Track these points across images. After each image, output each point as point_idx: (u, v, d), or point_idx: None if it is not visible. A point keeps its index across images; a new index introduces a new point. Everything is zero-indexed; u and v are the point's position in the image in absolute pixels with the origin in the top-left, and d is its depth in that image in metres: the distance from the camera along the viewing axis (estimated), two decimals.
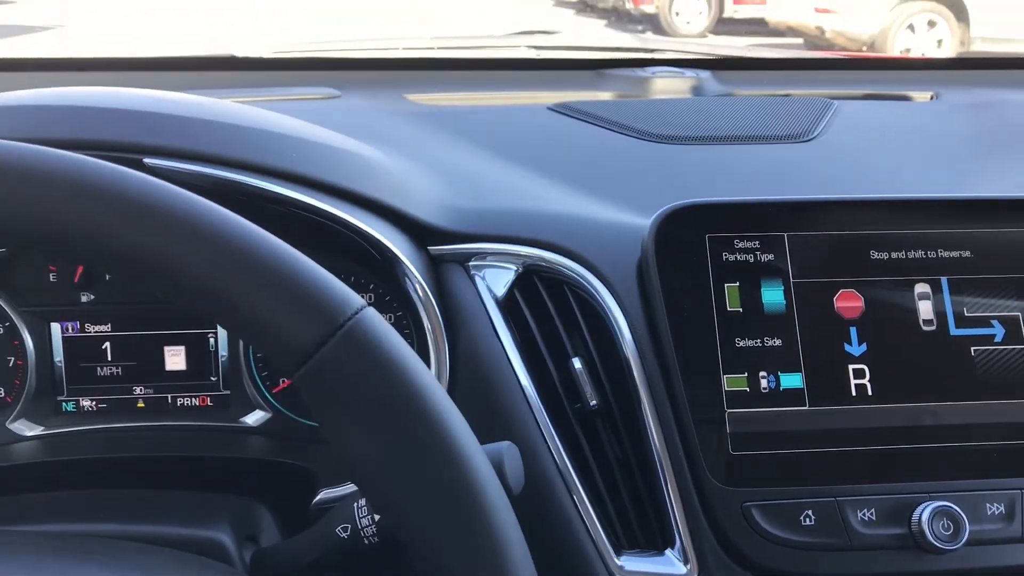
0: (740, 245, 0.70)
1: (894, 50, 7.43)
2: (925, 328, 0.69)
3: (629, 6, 10.21)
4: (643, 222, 0.73)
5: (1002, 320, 0.70)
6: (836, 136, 0.97)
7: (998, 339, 0.70)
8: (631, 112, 1.02)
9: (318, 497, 0.71)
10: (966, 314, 0.70)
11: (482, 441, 0.56)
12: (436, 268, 0.75)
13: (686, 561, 0.66)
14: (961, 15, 7.43)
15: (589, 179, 0.87)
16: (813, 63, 1.35)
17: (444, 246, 0.75)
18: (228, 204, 0.45)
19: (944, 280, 0.70)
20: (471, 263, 0.75)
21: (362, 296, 0.77)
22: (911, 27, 7.50)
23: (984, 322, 0.70)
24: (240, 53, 1.19)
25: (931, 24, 7.50)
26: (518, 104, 1.15)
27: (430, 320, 0.71)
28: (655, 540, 0.67)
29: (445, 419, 0.44)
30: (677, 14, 9.70)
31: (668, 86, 1.20)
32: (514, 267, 0.74)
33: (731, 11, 9.64)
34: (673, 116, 1.01)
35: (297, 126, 0.78)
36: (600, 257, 0.73)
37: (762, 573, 0.65)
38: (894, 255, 0.71)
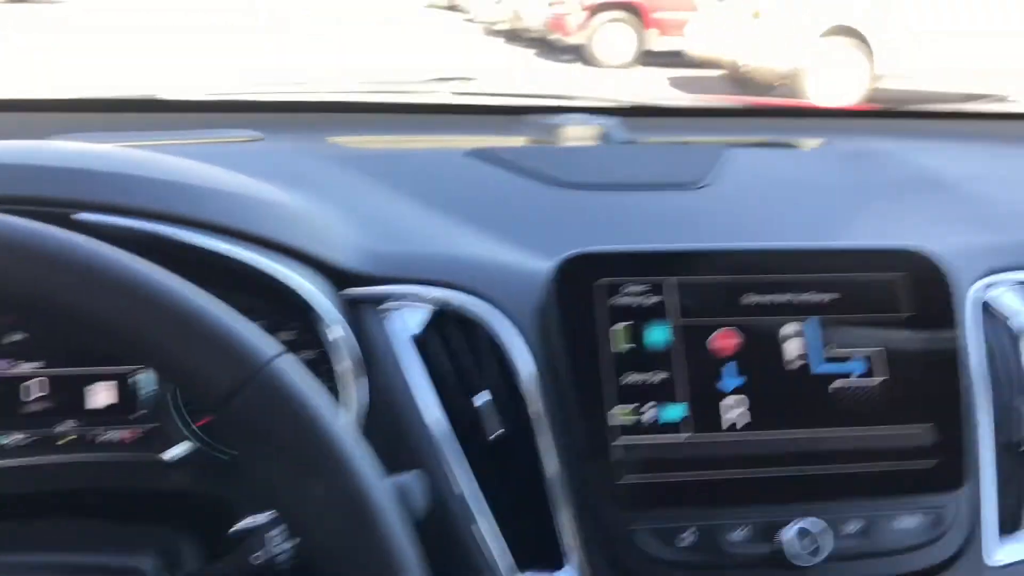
0: (629, 289, 0.78)
1: (807, 86, 7.73)
2: (792, 364, 0.77)
3: (556, 37, 10.41)
4: (545, 266, 0.80)
5: (859, 358, 0.78)
6: (725, 184, 1.06)
7: (856, 375, 0.78)
8: (541, 158, 1.09)
9: (235, 527, 0.75)
10: (828, 352, 0.78)
11: (395, 470, 0.62)
12: (352, 309, 0.80)
13: None
14: (870, 54, 7.77)
15: (499, 223, 0.93)
16: (713, 111, 1.44)
17: (359, 288, 0.80)
18: (153, 255, 0.51)
19: (809, 322, 0.79)
20: (385, 304, 0.80)
21: (283, 335, 0.82)
22: (823, 63, 7.82)
23: (844, 359, 0.78)
24: (165, 95, 1.23)
25: (842, 61, 7.83)
26: (437, 148, 1.21)
27: (345, 360, 0.76)
28: (550, 561, 0.74)
29: (349, 456, 0.49)
30: (603, 45, 9.94)
31: (577, 133, 1.28)
32: (426, 308, 0.80)
33: (654, 43, 9.92)
34: (579, 163, 1.08)
35: (218, 176, 0.83)
36: (506, 299, 0.80)
37: None
38: (766, 298, 0.79)
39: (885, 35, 7.65)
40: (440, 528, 0.73)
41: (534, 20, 11.09)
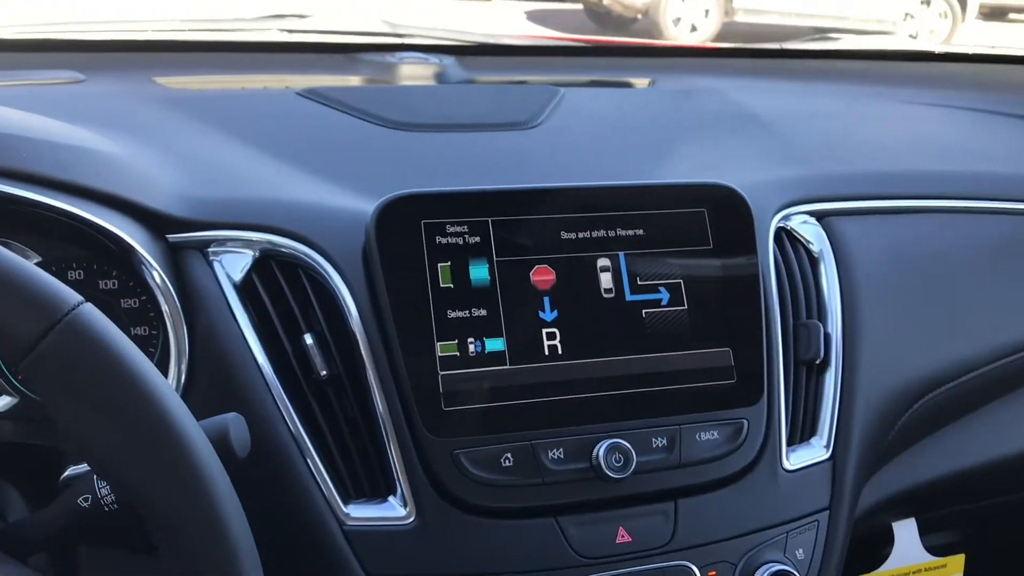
0: (451, 229, 0.80)
1: (667, 17, 7.88)
2: (606, 296, 0.82)
3: None
4: (369, 208, 0.82)
5: (667, 287, 0.84)
6: (557, 123, 1.09)
7: (664, 303, 0.84)
8: (374, 99, 1.10)
9: (64, 474, 0.76)
10: (639, 283, 0.83)
11: (220, 413, 0.64)
12: (176, 255, 0.80)
13: (405, 504, 0.76)
14: None
15: (327, 166, 0.94)
16: (550, 49, 1.47)
17: (182, 234, 0.80)
18: None
19: (621, 255, 0.84)
20: (210, 249, 0.81)
21: (105, 284, 0.82)
22: None
23: (653, 289, 0.84)
24: None
25: None
26: (268, 89, 1.20)
27: (167, 304, 0.77)
28: (379, 490, 0.77)
29: (160, 399, 0.51)
30: None
31: (414, 72, 1.29)
32: (251, 252, 0.81)
33: None
34: (413, 103, 1.10)
35: (32, 123, 0.81)
36: (330, 242, 0.81)
37: (470, 510, 0.76)
38: (580, 235, 0.83)
39: None
40: (269, 467, 0.76)
41: None
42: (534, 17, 9.00)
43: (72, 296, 0.50)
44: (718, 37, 8.07)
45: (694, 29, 8.04)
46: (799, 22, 8.17)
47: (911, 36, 8.35)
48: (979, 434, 1.06)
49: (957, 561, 1.15)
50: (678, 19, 8.00)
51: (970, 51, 1.53)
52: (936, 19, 8.35)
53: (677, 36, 7.96)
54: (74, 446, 0.51)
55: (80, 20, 1.25)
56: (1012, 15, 10.21)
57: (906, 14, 8.29)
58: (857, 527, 0.96)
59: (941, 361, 0.97)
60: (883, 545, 1.12)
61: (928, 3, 8.33)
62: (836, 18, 8.13)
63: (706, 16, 8.04)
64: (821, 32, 8.37)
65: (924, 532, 1.14)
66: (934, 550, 1.15)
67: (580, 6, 8.76)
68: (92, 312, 0.50)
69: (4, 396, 0.83)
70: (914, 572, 1.12)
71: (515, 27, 8.33)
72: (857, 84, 1.41)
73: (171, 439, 0.50)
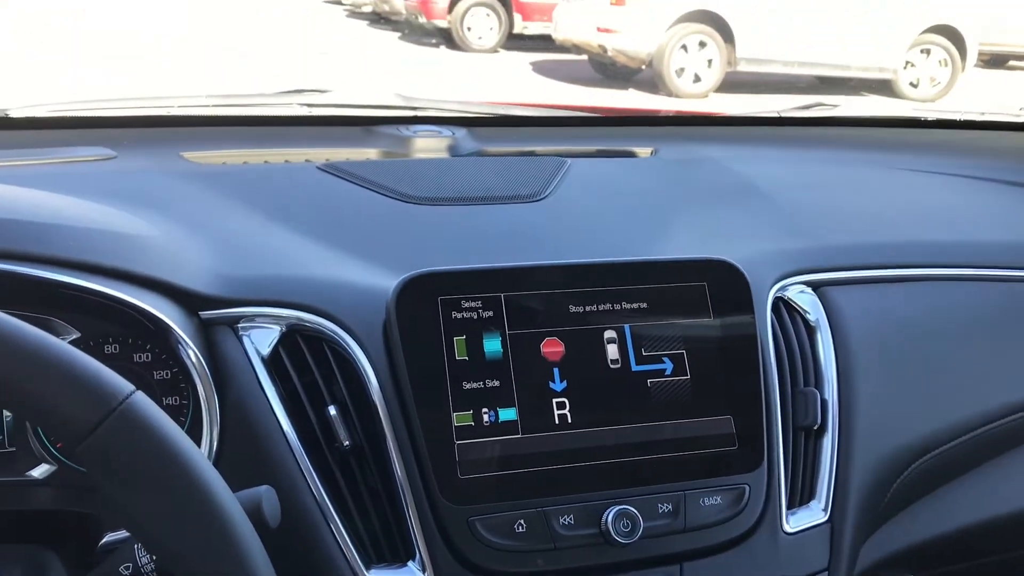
0: (465, 304, 0.86)
1: (671, 68, 8.02)
2: (612, 367, 0.87)
3: (422, 20, 10.39)
4: (389, 284, 0.87)
5: (670, 357, 0.89)
6: (563, 195, 1.15)
7: (668, 372, 0.88)
8: (390, 173, 1.16)
9: (104, 540, 0.80)
10: (643, 353, 0.88)
11: (249, 481, 0.68)
12: (207, 330, 0.86)
13: (424, 569, 0.80)
14: (728, 37, 8.10)
15: (348, 242, 1.00)
16: (557, 120, 1.53)
17: (214, 311, 0.86)
18: (12, 294, 0.55)
19: (626, 327, 0.89)
20: (239, 325, 0.86)
21: (139, 357, 0.87)
22: (684, 47, 8.11)
23: (657, 359, 0.89)
24: (15, 113, 1.23)
25: (702, 44, 8.14)
26: (290, 163, 1.26)
27: (200, 379, 0.82)
28: (399, 555, 0.82)
29: (206, 481, 0.56)
30: (469, 29, 9.99)
31: (427, 145, 1.35)
32: (278, 327, 0.86)
33: (520, 28, 10.03)
34: (427, 177, 1.15)
35: (73, 209, 0.87)
36: (352, 317, 0.86)
37: (486, 574, 0.81)
38: (588, 308, 0.88)
39: (744, 21, 7.99)
40: (297, 532, 0.80)
41: (400, 2, 11.03)
42: (540, 69, 9.16)
43: (125, 385, 0.55)
44: (721, 87, 8.19)
45: (697, 79, 8.16)
46: (801, 71, 8.31)
47: (912, 84, 8.47)
48: (974, 494, 1.10)
49: None
50: (681, 69, 8.13)
51: (963, 117, 1.58)
52: (936, 67, 8.47)
53: (681, 87, 8.07)
54: (125, 522, 0.56)
55: (110, 98, 1.31)
56: (1012, 62, 10.36)
57: (907, 62, 8.42)
58: None
59: (935, 425, 1.01)
60: None
61: (928, 52, 8.46)
62: (838, 67, 8.27)
63: (709, 66, 8.17)
64: (823, 81, 8.53)
65: None
66: None
67: (584, 57, 8.92)
68: (144, 400, 0.55)
69: (43, 464, 0.87)
70: None
71: (521, 79, 8.47)
72: (854, 151, 1.46)
73: (216, 518, 0.55)
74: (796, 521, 0.90)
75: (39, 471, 0.87)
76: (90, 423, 0.53)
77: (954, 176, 1.37)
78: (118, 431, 0.53)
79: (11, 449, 0.87)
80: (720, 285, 0.92)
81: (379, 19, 12.24)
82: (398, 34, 11.20)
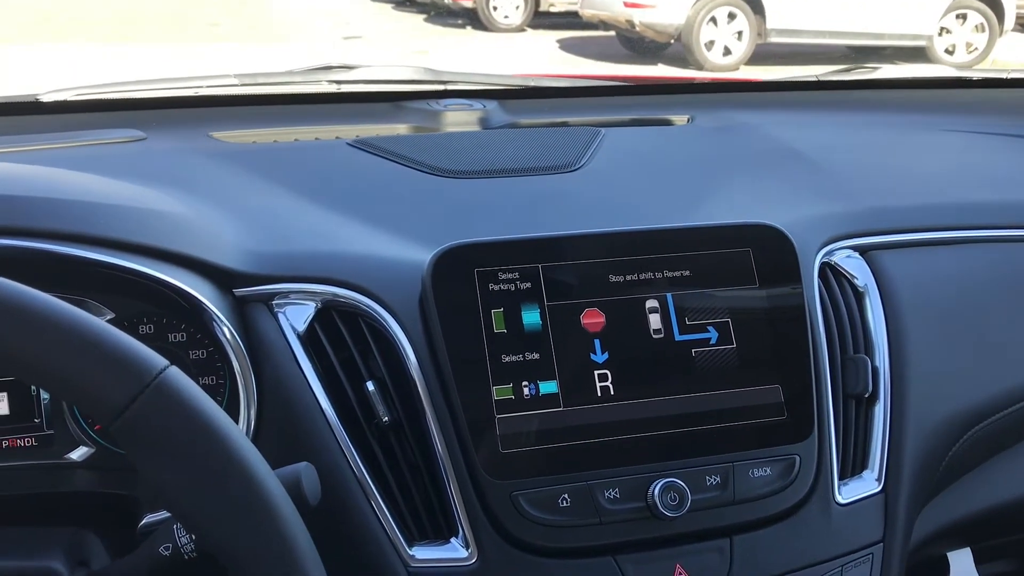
0: (503, 276, 0.83)
1: (700, 41, 7.91)
2: (655, 336, 0.85)
3: (448, 1, 10.34)
4: (424, 257, 0.85)
5: (715, 326, 0.86)
6: (599, 165, 1.12)
7: (712, 342, 0.86)
8: (422, 147, 1.14)
9: (143, 521, 0.79)
10: (687, 323, 0.86)
11: (287, 460, 0.67)
12: (242, 308, 0.84)
13: (467, 546, 0.78)
14: (758, 8, 7.97)
15: (382, 216, 0.98)
16: (589, 90, 1.50)
17: (248, 288, 0.84)
18: (45, 274, 0.54)
19: (669, 296, 0.86)
20: (274, 302, 0.84)
21: (174, 337, 0.86)
22: (713, 20, 8.00)
23: (701, 328, 0.86)
24: (45, 97, 1.23)
25: (731, 16, 8.03)
26: (320, 140, 1.24)
27: (236, 357, 0.81)
28: (442, 531, 0.80)
29: (243, 456, 0.54)
30: (495, 8, 9.92)
31: (458, 118, 1.33)
32: (313, 303, 0.85)
33: (546, 5, 9.96)
34: (460, 150, 1.13)
35: (105, 188, 0.86)
36: (387, 292, 0.85)
37: (530, 550, 0.79)
38: (628, 277, 0.86)
39: None
40: (338, 510, 0.79)
41: None
42: (567, 46, 9.09)
43: (159, 360, 0.54)
44: (752, 59, 8.08)
45: (727, 52, 8.05)
46: (833, 41, 8.16)
47: (947, 51, 8.29)
48: None
49: None
50: (711, 42, 8.03)
51: (1010, 75, 1.53)
52: (972, 32, 8.29)
53: (710, 60, 7.97)
54: (162, 500, 0.54)
55: (140, 79, 1.30)
56: None
57: (941, 28, 8.24)
58: (911, 558, 0.97)
59: (990, 391, 0.98)
60: (939, 575, 1.12)
61: (964, 17, 8.27)
62: (871, 35, 8.11)
63: (739, 38, 8.06)
64: (856, 51, 8.37)
65: (981, 561, 1.13)
66: None
67: (612, 33, 8.83)
68: (178, 375, 0.54)
69: (82, 447, 0.87)
70: None
71: (550, 56, 8.41)
72: (896, 113, 1.42)
73: (254, 493, 0.53)
74: (849, 492, 0.88)
75: (78, 453, 0.86)
76: (124, 399, 0.51)
77: (1001, 136, 1.32)
78: (152, 407, 0.52)
79: (50, 432, 0.86)
80: (765, 250, 0.89)
81: (404, 1, 12.20)
82: (423, 16, 11.16)
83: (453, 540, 0.79)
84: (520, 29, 9.96)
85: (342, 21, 10.20)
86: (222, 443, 0.53)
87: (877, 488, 0.89)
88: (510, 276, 0.83)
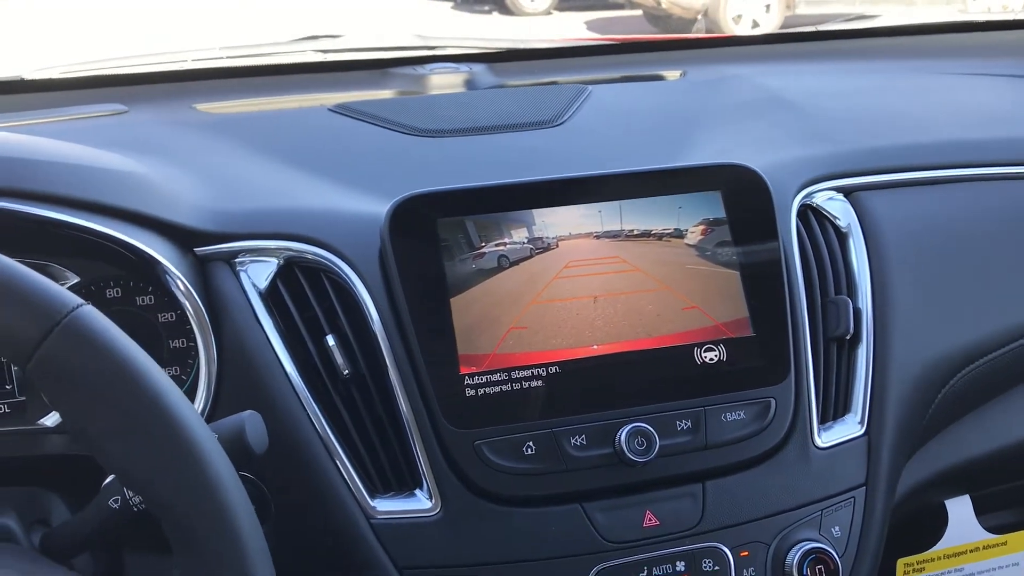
0: (463, 225, 0.82)
1: (727, 14, 7.80)
2: (622, 280, 0.83)
3: None
4: (386, 210, 0.83)
5: (685, 268, 0.84)
6: (582, 120, 1.10)
7: (681, 286, 0.83)
8: (403, 109, 1.12)
9: (106, 481, 0.79)
10: (655, 265, 0.83)
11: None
12: (204, 268, 0.84)
13: (431, 497, 0.77)
14: None
15: (352, 175, 0.97)
16: (580, 50, 1.48)
17: (208, 247, 0.84)
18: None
19: (639, 242, 0.84)
20: (236, 260, 0.84)
21: (142, 300, 0.85)
22: None
23: (670, 271, 0.83)
24: (29, 75, 1.23)
25: None
26: (302, 106, 1.23)
27: (194, 312, 0.80)
28: (407, 483, 0.79)
29: (160, 394, 0.53)
30: None
31: (444, 81, 1.31)
32: (275, 260, 0.84)
33: None
34: (441, 111, 1.11)
35: (63, 149, 0.85)
36: (349, 246, 0.83)
37: (495, 499, 0.77)
38: (596, 223, 0.84)
39: None
40: (301, 464, 0.78)
41: None
42: (594, 26, 9.00)
43: (71, 298, 0.53)
44: (782, 30, 7.94)
45: (756, 25, 7.92)
46: (864, 9, 7.99)
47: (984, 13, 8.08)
48: None
49: (1019, 538, 1.11)
50: (739, 16, 7.90)
51: (1012, 17, 1.48)
52: None
53: (739, 33, 7.85)
54: (81, 441, 0.54)
55: (122, 55, 1.30)
56: None
57: None
58: (907, 505, 0.94)
59: (978, 333, 0.94)
60: (937, 524, 1.08)
61: None
62: (903, 2, 7.93)
63: (767, 11, 7.92)
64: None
65: (982, 510, 1.10)
66: (994, 529, 1.11)
67: (639, 13, 8.73)
68: (92, 313, 0.53)
69: (54, 412, 0.87)
70: (971, 550, 1.08)
71: (578, 39, 8.35)
72: (895, 60, 1.38)
73: (173, 432, 0.53)
74: (829, 436, 0.85)
75: (50, 419, 0.87)
76: (36, 338, 0.51)
77: (1004, 76, 1.27)
78: (64, 345, 0.51)
79: (22, 398, 0.87)
80: (737, 192, 0.87)
81: None
82: (451, 3, 11.14)
83: (417, 491, 0.78)
84: (547, 13, 9.88)
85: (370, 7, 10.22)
86: (138, 381, 0.52)
87: (860, 431, 0.86)
88: (470, 224, 0.82)
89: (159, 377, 0.54)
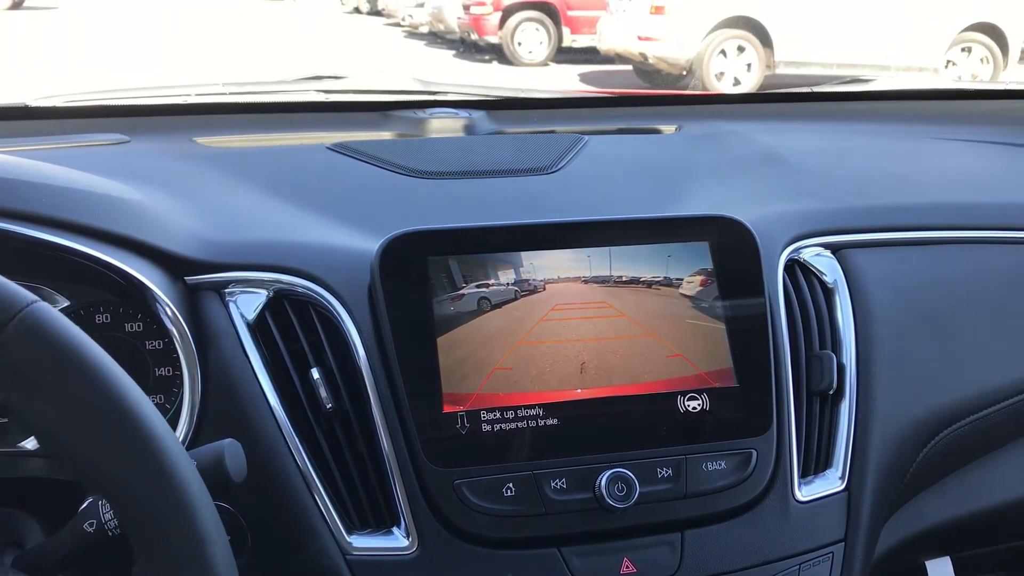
0: (452, 265, 0.82)
1: (710, 72, 7.95)
2: (607, 325, 0.83)
3: (475, 37, 10.46)
4: (377, 246, 0.84)
5: (670, 318, 0.84)
6: (577, 168, 1.11)
7: (666, 334, 0.84)
8: (401, 150, 1.13)
9: (83, 506, 0.79)
10: (641, 313, 0.84)
11: None
12: (193, 296, 0.84)
13: (408, 535, 0.77)
14: (766, 41, 8.01)
15: (346, 211, 0.98)
16: (579, 101, 1.50)
17: (199, 275, 0.84)
18: None
19: (625, 288, 0.85)
20: (226, 290, 0.84)
21: (131, 327, 0.85)
22: (723, 52, 8.04)
23: (655, 319, 0.84)
24: (33, 103, 1.24)
25: (740, 49, 8.07)
26: (302, 144, 1.24)
27: (180, 339, 0.80)
28: (384, 521, 0.79)
29: (117, 391, 0.53)
30: (519, 44, 10.02)
31: (443, 126, 1.32)
32: (265, 292, 0.84)
33: (569, 41, 10.05)
34: (439, 153, 1.13)
35: (60, 173, 0.86)
36: (339, 280, 0.84)
37: (472, 540, 0.77)
38: (584, 268, 0.84)
39: (781, 24, 7.92)
40: (280, 497, 0.78)
41: (454, 21, 11.15)
42: (587, 79, 9.14)
43: (25, 296, 0.53)
44: (761, 89, 8.08)
45: (737, 82, 8.08)
46: (841, 72, 8.12)
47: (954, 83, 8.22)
48: (1013, 470, 1.03)
49: None
50: (721, 73, 8.06)
51: (1006, 87, 1.51)
52: (978, 65, 8.23)
53: (721, 90, 7.99)
54: (38, 441, 0.53)
55: (127, 87, 1.32)
56: None
57: (947, 61, 8.20)
58: (887, 564, 0.94)
59: (962, 393, 0.95)
60: None
61: (969, 50, 8.24)
62: (877, 67, 8.07)
63: (748, 70, 8.08)
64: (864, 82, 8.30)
65: (962, 573, 1.10)
66: None
67: (630, 67, 8.89)
68: (45, 310, 0.52)
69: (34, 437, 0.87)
70: None
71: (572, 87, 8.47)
72: (889, 123, 1.40)
73: (131, 430, 0.52)
74: (810, 490, 0.85)
75: (31, 443, 0.86)
76: None
77: (992, 144, 1.30)
78: (16, 342, 0.51)
79: (3, 421, 0.86)
80: (726, 243, 0.88)
81: (435, 39, 12.39)
82: (453, 51, 11.30)
83: (394, 529, 0.78)
84: (544, 64, 10.04)
85: (375, 56, 10.34)
86: (93, 379, 0.52)
87: (840, 487, 0.86)
88: (460, 264, 0.83)
89: (115, 373, 0.53)
